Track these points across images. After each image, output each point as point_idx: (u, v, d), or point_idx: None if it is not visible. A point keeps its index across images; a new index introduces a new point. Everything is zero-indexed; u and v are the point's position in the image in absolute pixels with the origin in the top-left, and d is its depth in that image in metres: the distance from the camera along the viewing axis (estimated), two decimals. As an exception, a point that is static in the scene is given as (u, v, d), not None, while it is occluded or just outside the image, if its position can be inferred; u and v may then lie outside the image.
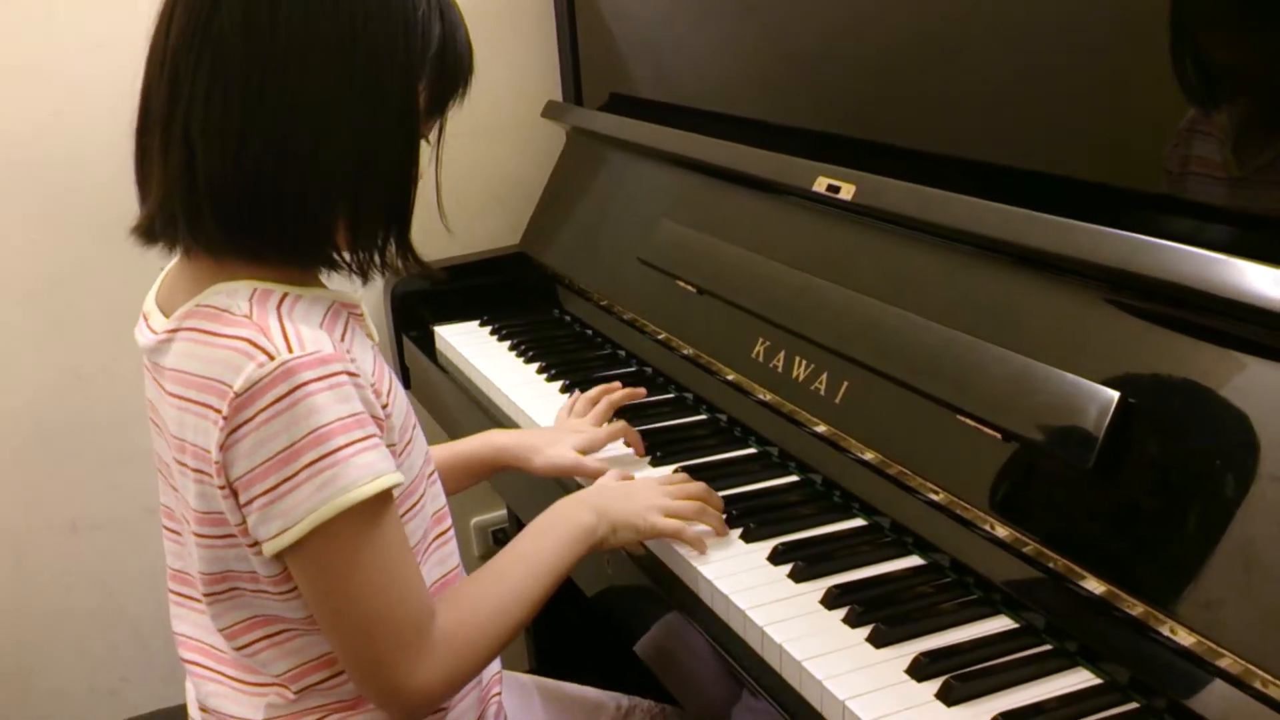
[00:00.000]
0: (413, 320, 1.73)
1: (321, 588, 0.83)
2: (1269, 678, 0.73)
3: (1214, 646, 0.76)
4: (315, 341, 0.81)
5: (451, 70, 0.88)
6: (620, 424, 1.21)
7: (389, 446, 0.86)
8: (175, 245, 0.87)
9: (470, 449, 1.19)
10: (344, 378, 0.81)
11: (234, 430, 0.79)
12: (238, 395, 0.79)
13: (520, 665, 1.79)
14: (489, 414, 1.44)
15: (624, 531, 1.01)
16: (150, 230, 0.87)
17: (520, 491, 1.37)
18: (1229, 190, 0.89)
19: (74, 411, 1.77)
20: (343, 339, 0.86)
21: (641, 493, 1.05)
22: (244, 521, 0.82)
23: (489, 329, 1.66)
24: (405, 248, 0.89)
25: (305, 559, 0.82)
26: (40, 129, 1.65)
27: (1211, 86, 0.91)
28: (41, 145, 1.65)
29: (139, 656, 1.88)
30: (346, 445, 0.80)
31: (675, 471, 1.16)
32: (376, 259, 0.88)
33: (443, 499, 0.99)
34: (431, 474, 0.96)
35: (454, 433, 1.59)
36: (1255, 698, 0.73)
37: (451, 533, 0.99)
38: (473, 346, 1.60)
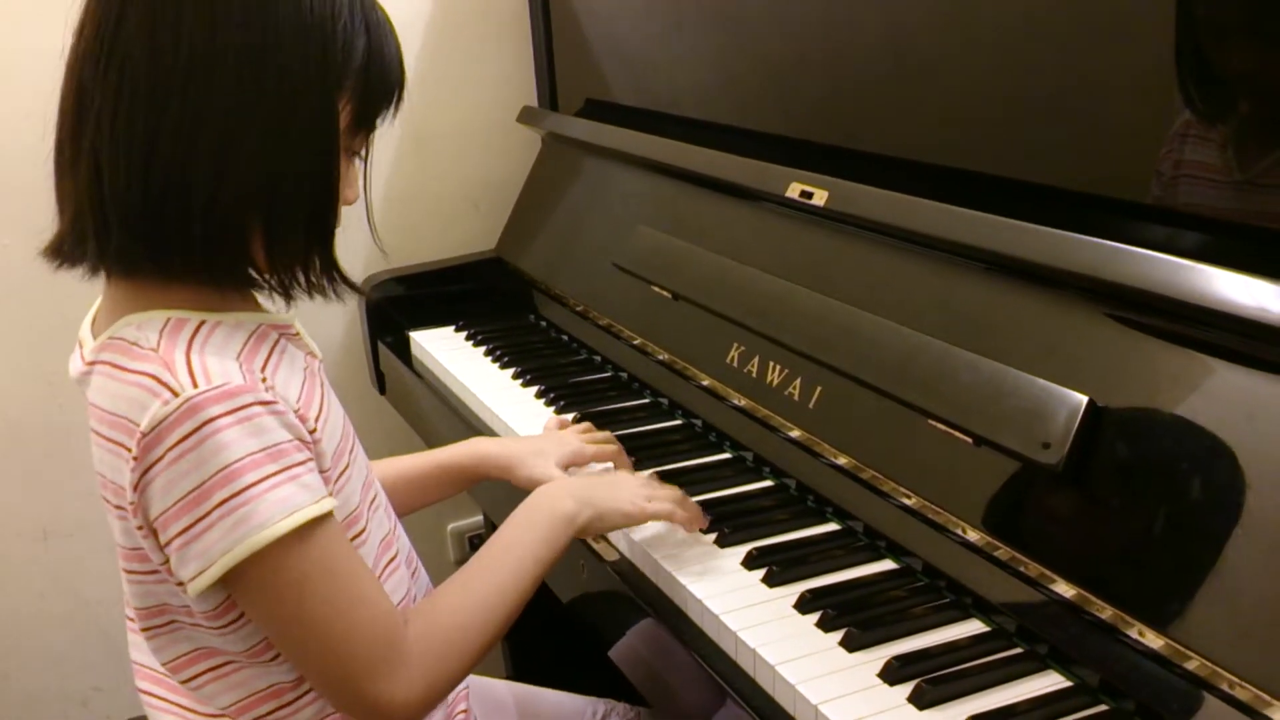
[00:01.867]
0: (388, 326, 1.73)
1: (278, 619, 0.81)
2: (1235, 679, 0.73)
3: (1182, 649, 0.77)
4: (223, 374, 0.78)
5: (378, 85, 0.85)
6: (613, 448, 1.17)
7: (322, 472, 0.83)
8: (84, 266, 0.84)
9: (454, 457, 1.16)
10: (256, 408, 0.78)
11: (146, 470, 0.77)
12: (145, 435, 0.77)
13: (496, 673, 1.79)
14: (465, 420, 1.44)
15: (612, 517, 0.99)
16: (59, 249, 0.84)
17: (497, 497, 1.37)
18: (1209, 197, 0.89)
19: (46, 418, 1.75)
20: (265, 365, 0.83)
21: (625, 481, 1.04)
22: (167, 561, 0.80)
23: (465, 334, 1.66)
24: (329, 267, 0.86)
25: (251, 593, 0.80)
26: (10, 132, 1.64)
27: (1203, 96, 0.91)
28: (11, 149, 1.64)
29: (111, 665, 1.87)
30: (258, 482, 0.77)
31: (650, 477, 1.16)
32: (300, 279, 0.85)
33: (389, 524, 0.96)
34: (374, 500, 0.94)
35: (430, 439, 1.59)
36: (1222, 699, 0.74)
37: (400, 559, 0.96)
38: (448, 352, 1.60)
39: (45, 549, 1.80)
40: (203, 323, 0.82)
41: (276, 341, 0.87)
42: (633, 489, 1.03)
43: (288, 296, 0.86)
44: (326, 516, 0.81)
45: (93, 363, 0.83)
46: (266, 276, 0.85)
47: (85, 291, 1.79)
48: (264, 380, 0.81)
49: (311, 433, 0.83)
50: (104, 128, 0.78)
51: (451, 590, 0.91)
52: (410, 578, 0.98)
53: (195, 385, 0.77)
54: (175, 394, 0.77)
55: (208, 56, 0.78)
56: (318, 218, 0.84)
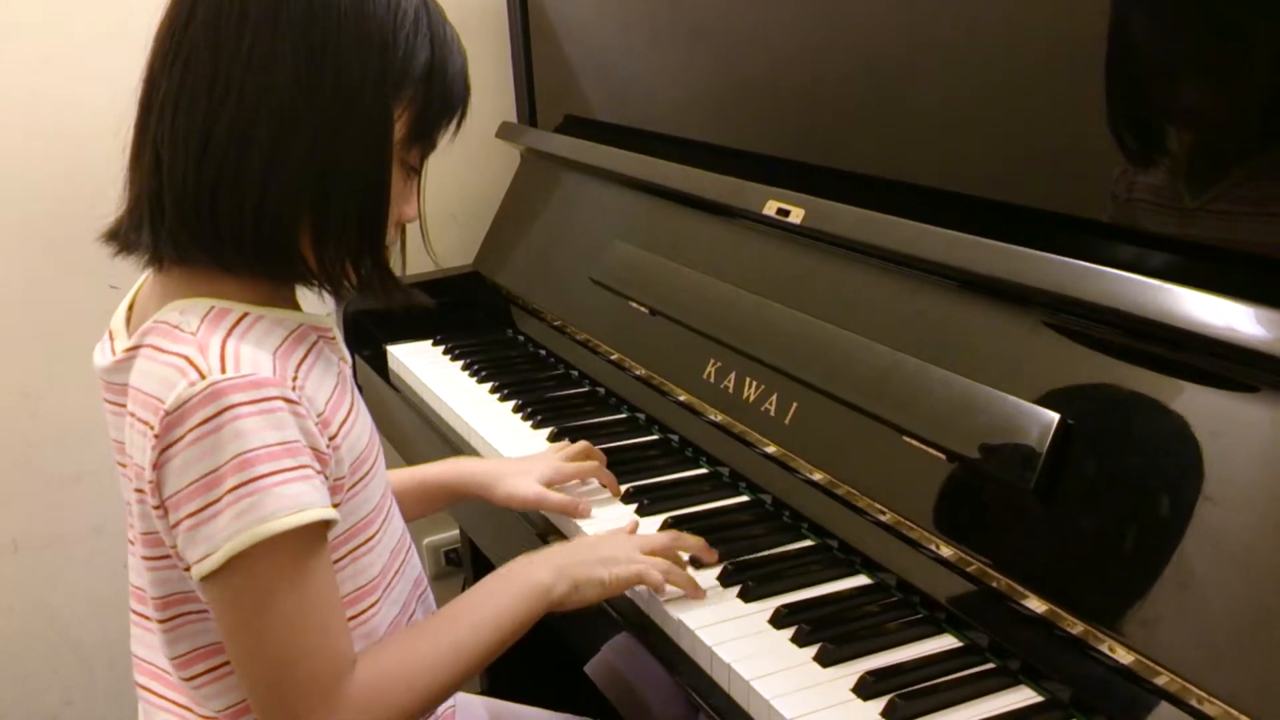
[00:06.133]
0: (365, 339, 1.72)
1: (233, 623, 0.80)
2: (1204, 695, 0.74)
3: (1152, 664, 0.78)
4: (254, 363, 0.79)
5: (438, 98, 0.86)
6: (592, 464, 1.17)
7: (336, 480, 0.83)
8: (141, 253, 0.85)
9: (435, 475, 1.16)
10: (279, 403, 0.78)
11: (165, 449, 0.78)
12: (168, 414, 0.77)
13: (472, 687, 1.78)
14: (441, 434, 1.44)
15: (588, 589, 0.95)
16: (117, 234, 0.86)
17: (473, 513, 1.37)
18: (1173, 219, 0.91)
19: (18, 429, 1.74)
20: (300, 365, 0.83)
21: (608, 546, 0.99)
22: (176, 544, 0.80)
23: (442, 348, 1.66)
24: (381, 270, 0.87)
25: (220, 590, 0.79)
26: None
27: (1155, 122, 0.93)
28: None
29: (82, 679, 1.85)
30: (272, 473, 0.77)
31: (627, 490, 1.17)
32: (351, 278, 0.85)
33: (399, 535, 0.96)
34: (389, 513, 0.93)
35: (406, 453, 1.59)
36: (1191, 714, 0.75)
37: (410, 565, 0.96)
38: (426, 366, 1.60)
39: (15, 561, 1.78)
40: (245, 314, 0.83)
41: (315, 343, 0.87)
42: (613, 552, 0.98)
43: (338, 295, 0.87)
44: (325, 527, 0.81)
45: (134, 348, 0.83)
46: (316, 274, 0.85)
47: (60, 303, 1.78)
48: (295, 379, 0.82)
49: (332, 439, 0.83)
50: (165, 118, 0.80)
51: (410, 639, 0.89)
52: (416, 597, 0.97)
53: (224, 371, 0.78)
54: (202, 376, 0.77)
55: (267, 52, 0.79)
56: (367, 222, 0.85)
